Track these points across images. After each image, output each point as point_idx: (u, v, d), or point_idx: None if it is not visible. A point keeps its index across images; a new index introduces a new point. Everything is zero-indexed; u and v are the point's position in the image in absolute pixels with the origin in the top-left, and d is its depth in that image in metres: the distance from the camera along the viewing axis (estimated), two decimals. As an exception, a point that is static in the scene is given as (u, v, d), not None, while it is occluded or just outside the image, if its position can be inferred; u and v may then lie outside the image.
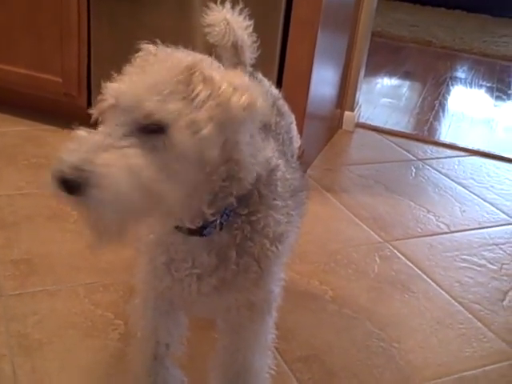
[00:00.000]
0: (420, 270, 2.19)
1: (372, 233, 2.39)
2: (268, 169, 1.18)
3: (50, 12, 2.67)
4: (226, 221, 1.13)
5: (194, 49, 1.12)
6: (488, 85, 4.57)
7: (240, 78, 1.03)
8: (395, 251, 2.28)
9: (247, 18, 1.65)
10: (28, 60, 2.77)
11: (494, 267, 2.27)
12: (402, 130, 3.50)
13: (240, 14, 1.58)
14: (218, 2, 1.56)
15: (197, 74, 1.00)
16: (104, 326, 1.74)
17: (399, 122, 3.65)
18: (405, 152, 3.21)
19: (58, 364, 1.60)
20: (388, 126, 3.51)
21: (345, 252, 2.24)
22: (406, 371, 1.72)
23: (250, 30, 1.66)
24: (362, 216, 2.50)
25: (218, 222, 1.12)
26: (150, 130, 0.98)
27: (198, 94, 0.99)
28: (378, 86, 4.33)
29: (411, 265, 2.21)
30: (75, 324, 1.73)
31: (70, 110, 2.83)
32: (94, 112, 1.07)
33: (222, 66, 1.08)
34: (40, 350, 1.63)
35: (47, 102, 2.85)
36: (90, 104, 2.78)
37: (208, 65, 1.04)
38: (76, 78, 2.73)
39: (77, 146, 0.97)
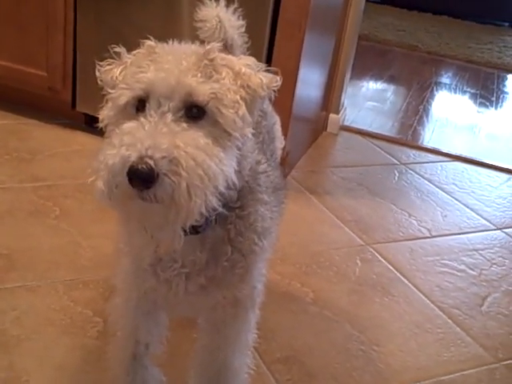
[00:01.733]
0: (400, 273, 2.20)
1: (354, 235, 2.40)
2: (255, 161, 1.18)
3: (35, 5, 2.64)
4: (221, 215, 1.10)
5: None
6: (472, 91, 4.61)
7: (251, 60, 1.07)
8: (376, 254, 2.29)
9: (240, 17, 1.65)
10: (12, 53, 2.74)
11: (474, 273, 2.29)
12: (387, 134, 3.52)
13: (233, 13, 1.58)
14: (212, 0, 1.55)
15: (218, 58, 1.02)
16: (83, 323, 1.73)
17: (383, 125, 3.67)
18: (388, 156, 3.22)
19: (36, 361, 1.58)
20: (372, 130, 3.52)
21: (327, 254, 2.24)
22: (385, 374, 1.73)
23: (242, 30, 1.66)
24: (344, 218, 2.51)
25: (214, 216, 1.08)
26: (194, 115, 0.98)
27: (225, 77, 1.01)
28: (363, 89, 4.34)
29: (392, 268, 2.22)
30: (54, 321, 1.72)
31: (55, 104, 2.82)
32: (104, 114, 1.05)
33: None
34: (18, 347, 1.61)
35: (31, 95, 2.83)
36: (74, 98, 2.76)
37: (220, 51, 1.05)
38: (61, 73, 2.70)
39: (139, 135, 0.92)
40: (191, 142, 0.93)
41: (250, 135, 1.11)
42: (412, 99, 4.25)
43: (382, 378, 1.72)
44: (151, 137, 0.91)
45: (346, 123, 3.50)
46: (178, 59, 1.01)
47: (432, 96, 4.43)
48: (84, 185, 2.36)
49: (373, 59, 4.93)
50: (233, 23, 1.63)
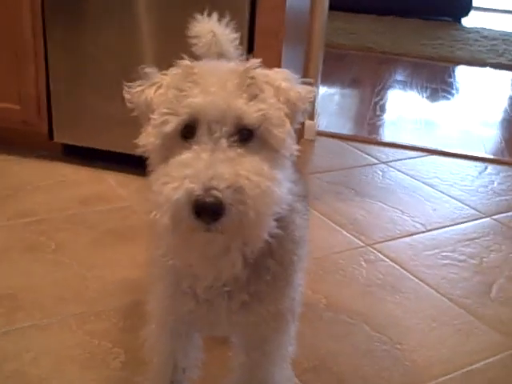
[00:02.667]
0: (406, 270, 2.21)
1: (352, 238, 2.40)
2: None
3: (1, 36, 2.57)
4: None
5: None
6: (433, 86, 4.69)
7: (286, 73, 1.05)
8: (379, 254, 2.30)
9: (234, 30, 1.63)
10: (-19, 88, 2.67)
11: (475, 261, 2.31)
12: (361, 135, 3.54)
13: (226, 25, 1.56)
14: (205, 14, 1.53)
15: (259, 76, 1.00)
16: (103, 355, 1.67)
17: (354, 128, 3.70)
18: (368, 156, 3.25)
19: (63, 401, 1.52)
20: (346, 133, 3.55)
21: (330, 259, 2.23)
22: (413, 371, 1.73)
23: (236, 42, 1.65)
24: (339, 222, 2.51)
25: None
26: (245, 138, 0.96)
27: (267, 94, 0.99)
28: (329, 94, 4.38)
29: (396, 266, 2.23)
30: (73, 357, 1.66)
31: (31, 137, 2.75)
32: (146, 140, 1.01)
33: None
34: (41, 388, 1.55)
35: (5, 130, 2.75)
36: (51, 130, 2.70)
37: (257, 66, 1.03)
38: (35, 104, 2.64)
39: (201, 167, 0.89)
40: (252, 168, 0.91)
41: None
42: (377, 99, 4.30)
43: (412, 375, 1.71)
44: (212, 166, 0.88)
45: (320, 129, 3.52)
46: (221, 80, 0.98)
47: (395, 95, 4.50)
48: (74, 215, 2.33)
49: (332, 64, 4.97)
50: (228, 36, 1.62)
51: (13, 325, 1.76)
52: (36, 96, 2.62)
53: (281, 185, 0.96)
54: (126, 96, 1.05)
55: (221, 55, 1.57)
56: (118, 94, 2.54)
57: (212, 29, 1.58)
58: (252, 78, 0.99)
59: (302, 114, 1.05)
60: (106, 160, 2.69)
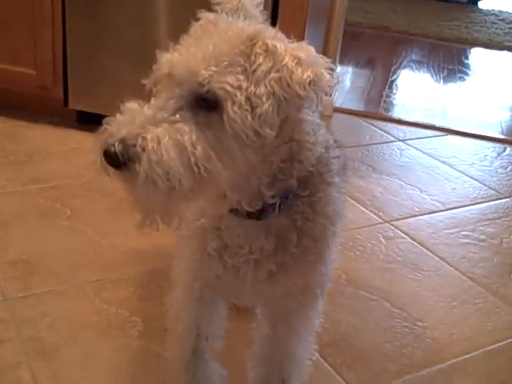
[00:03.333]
0: (425, 248, 2.17)
1: (371, 214, 2.36)
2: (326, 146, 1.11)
3: (19, -1, 2.51)
4: (285, 203, 1.06)
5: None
6: (450, 67, 4.62)
7: (306, 50, 0.94)
8: (398, 231, 2.26)
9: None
10: (-3, 52, 2.62)
11: (495, 241, 2.28)
12: (378, 113, 3.49)
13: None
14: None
15: (259, 44, 0.92)
16: (121, 324, 1.65)
17: (368, 106, 3.64)
18: (384, 133, 3.20)
19: (80, 366, 1.50)
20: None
21: (349, 235, 2.19)
22: (435, 348, 1.70)
23: (262, 7, 1.60)
24: (358, 198, 2.46)
25: (278, 204, 1.05)
26: (205, 106, 0.91)
27: (258, 66, 0.91)
28: (344, 71, 4.31)
29: (416, 244, 2.19)
30: (90, 324, 1.63)
31: (46, 102, 2.70)
32: (147, 82, 0.99)
33: (286, 38, 0.99)
34: (58, 354, 1.52)
35: (21, 96, 2.70)
36: (66, 96, 2.65)
37: (271, 35, 0.95)
38: (51, 70, 2.58)
39: (127, 119, 0.91)
40: (170, 135, 0.89)
41: (316, 121, 1.06)
42: (393, 78, 4.24)
43: (433, 352, 1.69)
44: (130, 124, 0.90)
45: (337, 105, 3.46)
46: (210, 42, 0.93)
47: (412, 74, 4.43)
48: (89, 183, 2.29)
49: (348, 42, 4.87)
50: (253, 1, 1.57)
51: (30, 290, 1.73)
52: (52, 61, 2.57)
53: (217, 163, 0.91)
54: None
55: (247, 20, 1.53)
56: (136, 61, 2.52)
57: None
58: (252, 45, 0.91)
59: (311, 101, 0.95)
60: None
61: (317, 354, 1.60)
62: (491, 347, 1.73)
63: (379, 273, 2.00)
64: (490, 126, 3.53)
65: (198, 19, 1.02)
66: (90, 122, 2.68)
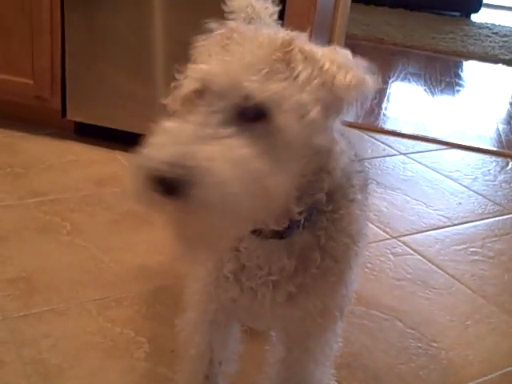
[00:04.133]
0: (435, 265, 2.12)
1: (378, 230, 2.31)
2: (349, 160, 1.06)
3: (16, 4, 2.44)
4: (309, 220, 1.00)
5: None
6: (447, 80, 4.60)
7: (342, 55, 0.90)
8: (406, 247, 2.21)
9: (273, 3, 1.55)
10: (-7, 61, 2.55)
11: (504, 258, 2.23)
12: (379, 125, 3.45)
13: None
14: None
15: (296, 50, 0.87)
16: (126, 344, 1.58)
17: (367, 118, 3.60)
18: (387, 147, 3.16)
19: (85, 390, 1.43)
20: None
21: (356, 251, 2.14)
22: (451, 370, 1.64)
23: (276, 16, 1.56)
24: (363, 213, 2.41)
25: (303, 221, 0.99)
26: (250, 117, 0.84)
27: (300, 73, 0.86)
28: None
29: (425, 261, 2.14)
30: (95, 345, 1.56)
31: (44, 114, 2.64)
32: (169, 101, 0.93)
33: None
34: (62, 377, 1.45)
35: (18, 106, 2.63)
36: (64, 107, 2.58)
37: (305, 41, 0.91)
38: (49, 79, 2.52)
39: (169, 140, 0.81)
40: (222, 152, 0.80)
41: (339, 128, 1.00)
42: (391, 91, 4.21)
43: (450, 374, 1.63)
44: (174, 144, 0.80)
45: (337, 117, 3.42)
46: (245, 51, 0.87)
47: (409, 86, 4.41)
48: (89, 196, 2.23)
49: (344, 54, 4.89)
50: (267, 10, 1.53)
51: (30, 309, 1.66)
52: (50, 70, 2.50)
53: (273, 178, 0.84)
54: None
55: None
56: (136, 71, 2.47)
57: (251, 2, 1.50)
58: (288, 52, 0.87)
59: (352, 105, 0.90)
60: (116, 140, 2.56)
61: (333, 379, 1.55)
62: (509, 369, 1.68)
63: (389, 291, 1.95)
64: (491, 139, 3.50)
65: (209, 30, 0.96)
66: (89, 133, 2.62)
